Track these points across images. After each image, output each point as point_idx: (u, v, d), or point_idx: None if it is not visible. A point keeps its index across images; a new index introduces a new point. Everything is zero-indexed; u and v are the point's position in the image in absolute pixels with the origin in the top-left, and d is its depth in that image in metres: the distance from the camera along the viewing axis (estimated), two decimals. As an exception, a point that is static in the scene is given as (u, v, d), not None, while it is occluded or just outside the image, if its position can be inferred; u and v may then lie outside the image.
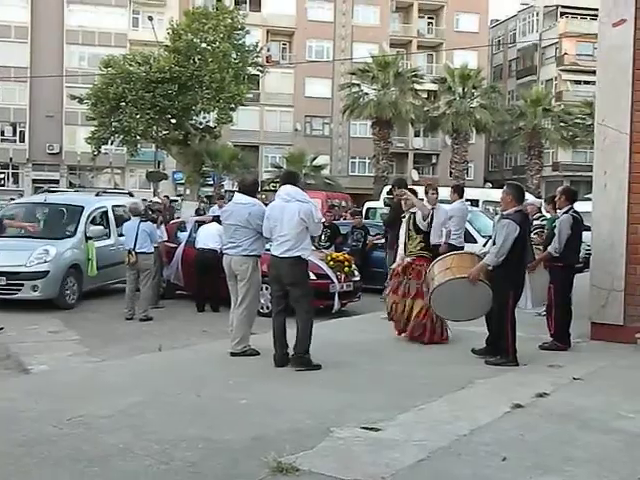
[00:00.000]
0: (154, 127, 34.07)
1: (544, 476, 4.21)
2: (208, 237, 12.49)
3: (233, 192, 9.78)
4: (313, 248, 8.67)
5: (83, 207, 13.66)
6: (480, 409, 5.57)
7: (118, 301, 12.46)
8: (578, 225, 8.31)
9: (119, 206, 14.60)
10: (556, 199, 8.80)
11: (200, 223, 13.44)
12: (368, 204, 23.38)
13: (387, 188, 21.76)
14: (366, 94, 42.02)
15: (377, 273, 13.03)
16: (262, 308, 11.06)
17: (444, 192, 12.18)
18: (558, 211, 8.70)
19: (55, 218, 13.79)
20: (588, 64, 45.22)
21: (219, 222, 12.94)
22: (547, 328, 8.39)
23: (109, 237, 13.94)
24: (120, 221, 13.92)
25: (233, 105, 34.95)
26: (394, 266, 8.77)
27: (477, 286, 7.34)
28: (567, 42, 53.39)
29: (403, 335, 8.56)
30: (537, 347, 8.05)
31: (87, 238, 13.09)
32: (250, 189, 7.81)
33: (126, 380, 6.44)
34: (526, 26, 58.48)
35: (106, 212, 14.21)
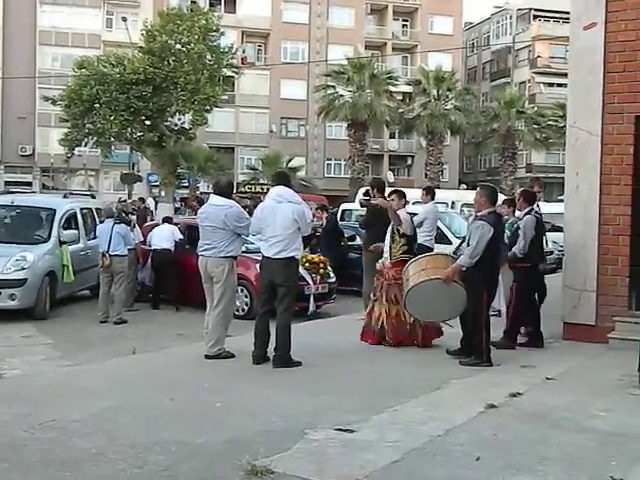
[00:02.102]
0: (128, 129, 33.81)
1: (517, 475, 4.24)
2: (161, 238, 12.84)
3: (209, 194, 9.79)
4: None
5: (55, 210, 12.90)
6: (454, 409, 5.60)
7: (91, 305, 12.36)
8: (540, 226, 8.44)
9: (86, 208, 14.11)
10: (516, 201, 8.93)
11: (154, 225, 13.66)
12: (344, 205, 23.39)
13: (363, 190, 21.82)
14: (341, 96, 42.13)
15: (353, 275, 13.05)
16: (237, 310, 11.07)
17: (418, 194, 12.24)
18: (518, 212, 8.80)
19: (26, 222, 12.94)
20: (561, 67, 45.71)
21: (170, 223, 13.27)
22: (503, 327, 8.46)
23: (79, 241, 13.30)
24: (88, 224, 13.65)
25: (208, 107, 34.78)
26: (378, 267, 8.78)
27: (451, 287, 7.39)
28: (540, 45, 53.95)
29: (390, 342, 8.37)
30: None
31: (60, 243, 12.41)
32: (225, 191, 7.82)
33: (99, 384, 6.38)
34: (500, 29, 58.98)
35: (75, 215, 13.53)
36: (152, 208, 29.99)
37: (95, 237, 13.49)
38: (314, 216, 16.08)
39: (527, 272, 8.34)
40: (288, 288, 7.23)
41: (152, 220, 18.05)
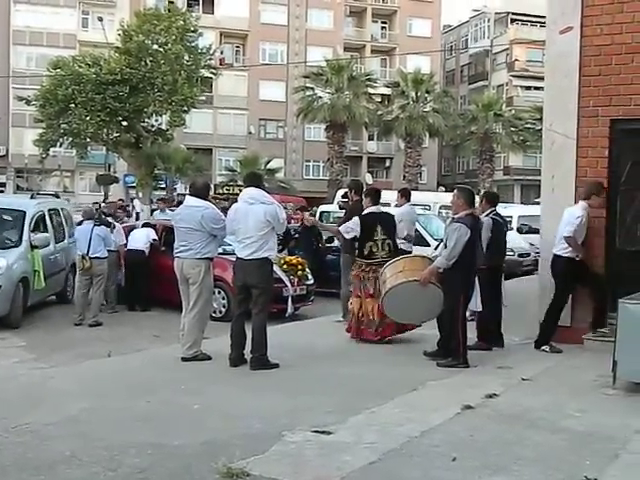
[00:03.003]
0: (104, 129, 33.60)
1: (493, 476, 4.28)
2: (137, 239, 12.87)
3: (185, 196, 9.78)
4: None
5: (25, 211, 12.03)
6: (431, 411, 5.63)
7: (64, 309, 12.26)
8: (499, 227, 8.53)
9: (53, 209, 13.48)
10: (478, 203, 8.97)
11: (131, 228, 13.62)
12: (322, 207, 23.44)
13: (341, 191, 21.86)
14: (320, 97, 42.24)
15: (331, 276, 13.07)
16: (214, 312, 11.08)
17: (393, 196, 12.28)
18: (481, 216, 8.84)
19: (-6, 224, 11.94)
20: (538, 70, 46.03)
21: (149, 227, 13.31)
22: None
23: (48, 244, 12.45)
24: (56, 226, 13.19)
25: (186, 108, 34.70)
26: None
27: (428, 289, 7.46)
28: (517, 48, 54.46)
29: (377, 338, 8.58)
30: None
31: (32, 247, 11.60)
32: (201, 192, 7.83)
33: (74, 387, 6.34)
34: (478, 32, 59.43)
35: (44, 216, 12.76)
36: (138, 209, 29.92)
37: (63, 239, 13.40)
38: (291, 218, 16.14)
39: (487, 274, 8.25)
40: (262, 289, 7.23)
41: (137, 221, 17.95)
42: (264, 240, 7.19)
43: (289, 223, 19.22)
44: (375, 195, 9.04)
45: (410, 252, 10.79)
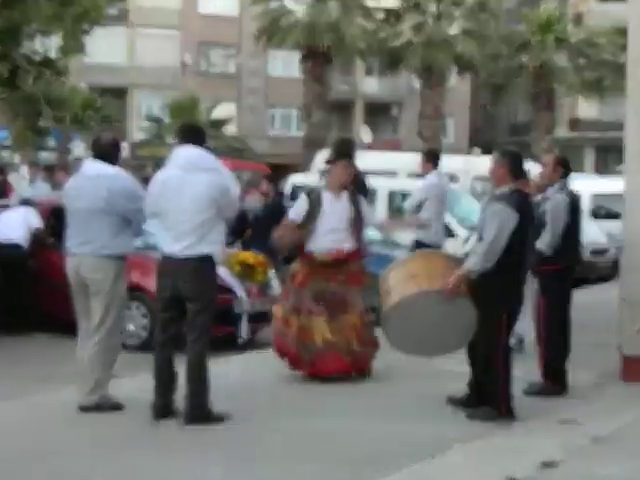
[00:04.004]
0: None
1: None
2: (9, 226, 12.62)
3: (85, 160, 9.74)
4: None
5: None
6: (458, 488, 5.67)
7: None
8: (575, 209, 8.65)
9: None
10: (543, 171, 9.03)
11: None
12: (295, 178, 23.36)
13: (324, 154, 21.75)
14: (291, 11, 42.08)
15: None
16: (129, 338, 10.99)
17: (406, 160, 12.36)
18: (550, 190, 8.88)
19: None
20: (621, -28, 46.29)
21: (29, 205, 13.13)
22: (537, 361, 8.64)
23: None
24: None
25: (86, 26, 34.49)
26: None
27: (455, 305, 7.46)
28: (590, -61, 54.63)
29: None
30: (522, 392, 8.21)
31: None
32: (108, 153, 7.81)
33: None
34: None
35: None
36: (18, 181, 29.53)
37: None
38: (246, 193, 16.10)
39: (557, 278, 8.44)
40: (202, 304, 7.24)
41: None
42: (206, 228, 7.21)
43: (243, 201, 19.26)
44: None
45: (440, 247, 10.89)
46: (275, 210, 14.14)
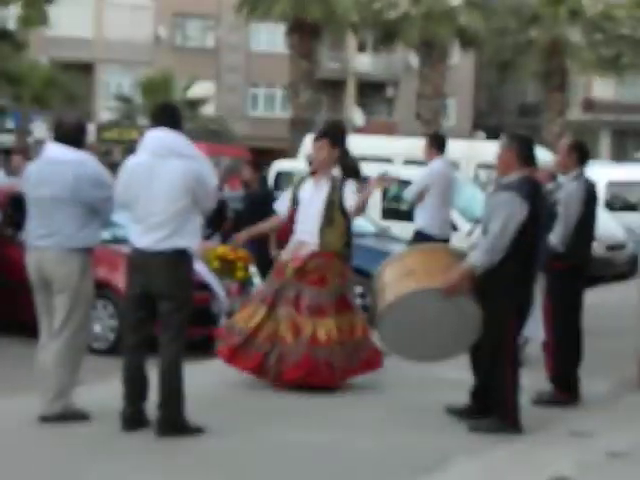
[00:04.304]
0: None
1: None
2: None
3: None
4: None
5: None
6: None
7: None
8: (592, 199, 8.71)
9: None
10: (558, 157, 9.11)
11: None
12: (280, 164, 23.40)
13: (312, 138, 21.66)
14: (276, -22, 42.02)
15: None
16: (96, 341, 11.10)
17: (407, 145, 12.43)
18: (566, 178, 8.97)
19: None
20: None
21: None
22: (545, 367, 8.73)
23: None
24: None
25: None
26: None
27: (457, 304, 7.53)
28: None
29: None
30: (530, 401, 8.31)
31: None
32: (73, 136, 7.79)
33: None
34: None
35: None
36: None
37: None
38: (225, 181, 16.12)
39: (567, 276, 8.55)
40: (177, 302, 7.27)
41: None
42: (180, 220, 7.23)
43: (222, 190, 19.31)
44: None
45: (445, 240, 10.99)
46: (258, 201, 14.22)
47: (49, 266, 7.58)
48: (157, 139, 7.38)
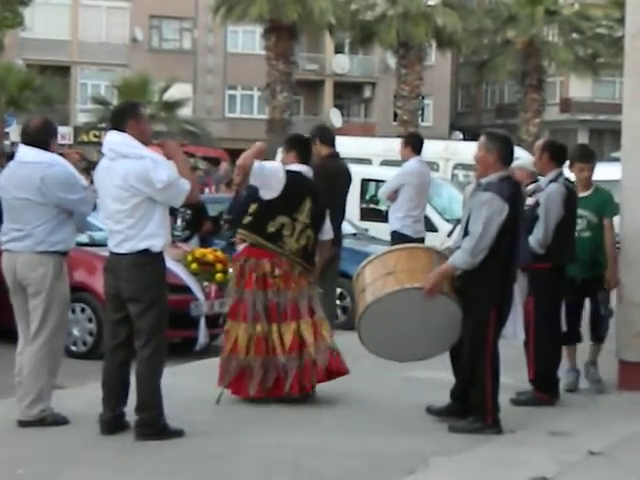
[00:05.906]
0: None
1: None
2: None
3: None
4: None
5: None
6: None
7: None
8: (572, 201, 8.65)
9: None
10: (536, 159, 9.08)
11: None
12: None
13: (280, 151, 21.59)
14: (253, -20, 42.01)
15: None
16: (74, 344, 11.09)
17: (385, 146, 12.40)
18: (543, 180, 8.94)
19: None
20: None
21: None
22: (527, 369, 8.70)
23: None
24: None
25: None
26: None
27: (437, 304, 7.50)
28: None
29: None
30: (509, 401, 8.29)
31: None
32: (40, 138, 7.76)
33: None
34: None
35: None
36: None
37: None
38: (219, 183, 15.94)
39: (549, 277, 8.50)
40: (144, 305, 7.17)
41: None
42: (137, 220, 7.14)
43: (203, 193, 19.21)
44: (305, 145, 9.11)
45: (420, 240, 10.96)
46: (239, 204, 14.12)
47: (23, 269, 7.54)
48: (107, 142, 7.37)
